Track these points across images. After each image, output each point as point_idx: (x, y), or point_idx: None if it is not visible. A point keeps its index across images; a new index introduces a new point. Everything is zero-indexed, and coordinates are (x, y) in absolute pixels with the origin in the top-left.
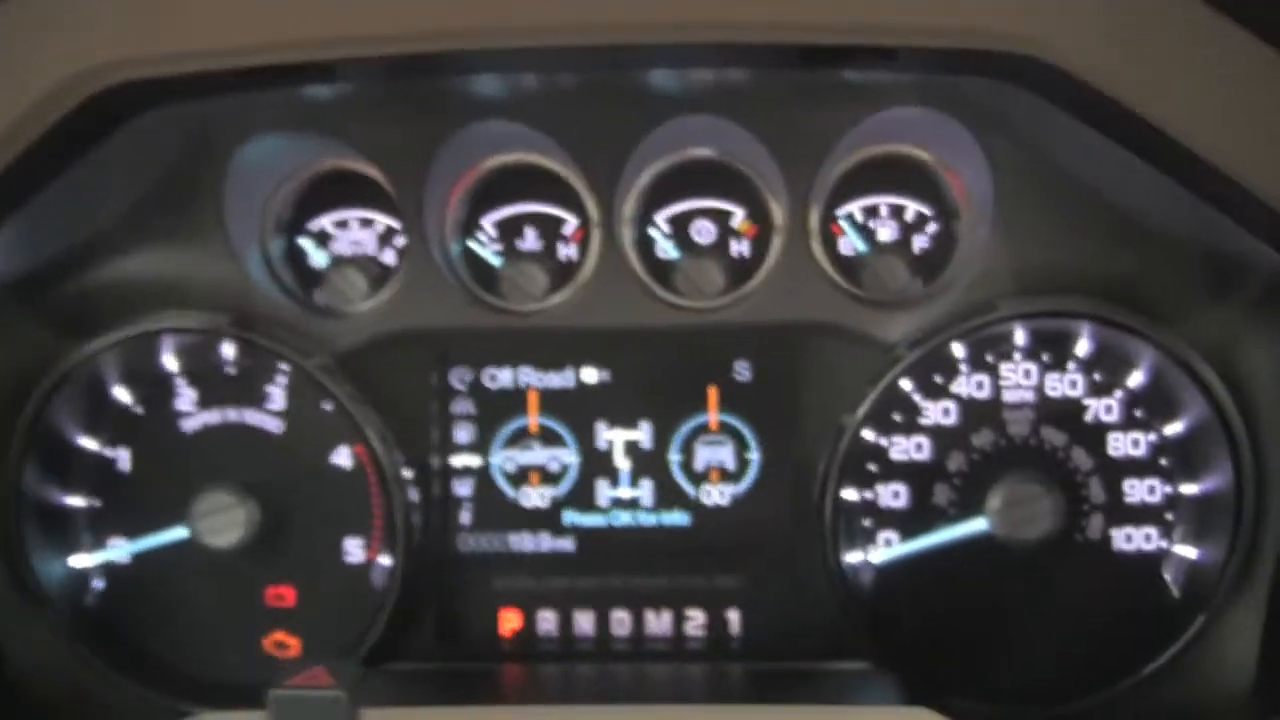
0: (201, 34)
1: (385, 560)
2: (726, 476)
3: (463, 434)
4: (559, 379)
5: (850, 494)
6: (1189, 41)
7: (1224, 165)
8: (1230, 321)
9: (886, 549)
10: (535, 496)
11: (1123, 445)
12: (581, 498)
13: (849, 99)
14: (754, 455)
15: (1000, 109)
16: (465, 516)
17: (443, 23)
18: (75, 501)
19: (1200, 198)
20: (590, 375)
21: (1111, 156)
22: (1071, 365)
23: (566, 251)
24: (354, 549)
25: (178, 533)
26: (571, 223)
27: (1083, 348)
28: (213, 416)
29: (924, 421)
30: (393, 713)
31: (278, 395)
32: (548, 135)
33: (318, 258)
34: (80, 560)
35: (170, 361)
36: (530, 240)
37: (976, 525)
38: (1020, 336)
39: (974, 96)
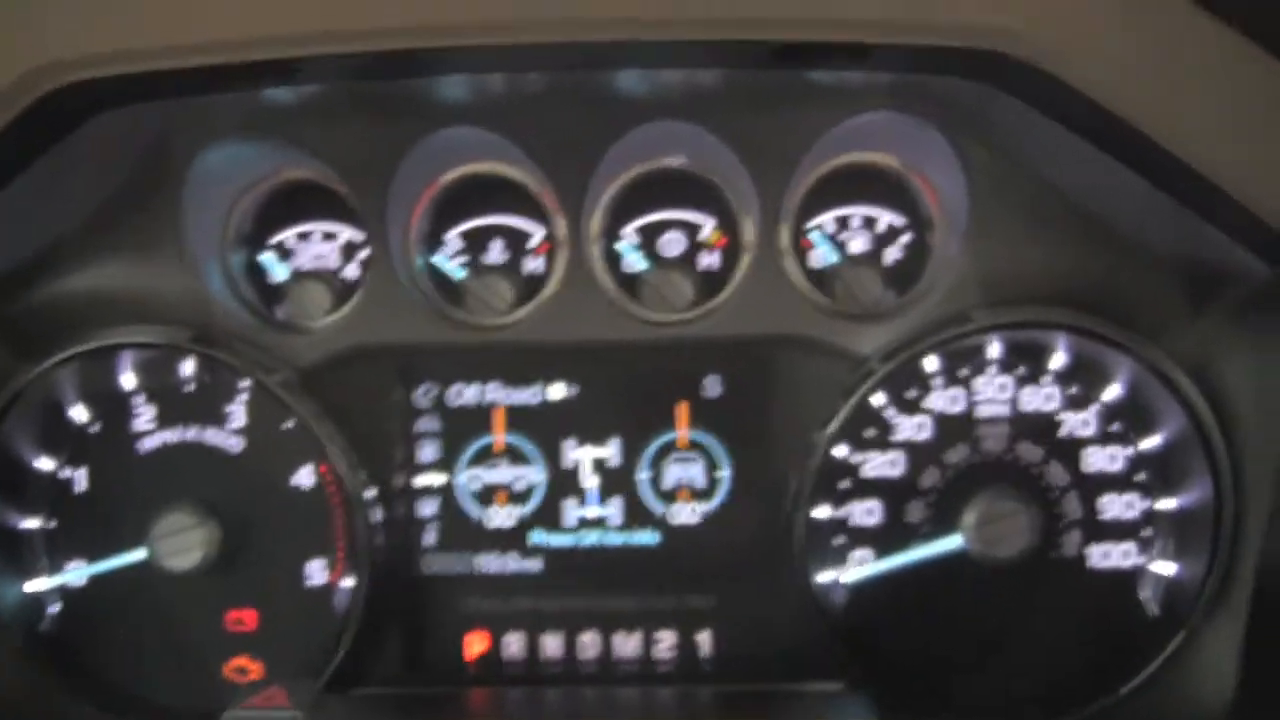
0: (155, 31)
1: (348, 582)
2: (696, 495)
3: (427, 452)
4: (525, 395)
5: (822, 512)
6: (1173, 41)
7: (1207, 169)
8: (1209, 333)
9: (859, 568)
10: (501, 516)
11: (1099, 460)
12: (549, 517)
13: (821, 103)
14: (724, 473)
15: (976, 113)
16: (430, 537)
17: (407, 19)
18: (31, 523)
19: (1181, 203)
20: (557, 391)
21: (1091, 162)
22: (1046, 378)
23: (532, 265)
24: (316, 571)
25: (136, 555)
26: (537, 235)
27: (1058, 360)
28: (172, 435)
29: (897, 437)
30: None
31: (238, 413)
32: (513, 142)
33: (279, 271)
34: (36, 584)
35: (128, 378)
36: (495, 253)
37: (951, 543)
38: (995, 349)
39: (948, 100)
